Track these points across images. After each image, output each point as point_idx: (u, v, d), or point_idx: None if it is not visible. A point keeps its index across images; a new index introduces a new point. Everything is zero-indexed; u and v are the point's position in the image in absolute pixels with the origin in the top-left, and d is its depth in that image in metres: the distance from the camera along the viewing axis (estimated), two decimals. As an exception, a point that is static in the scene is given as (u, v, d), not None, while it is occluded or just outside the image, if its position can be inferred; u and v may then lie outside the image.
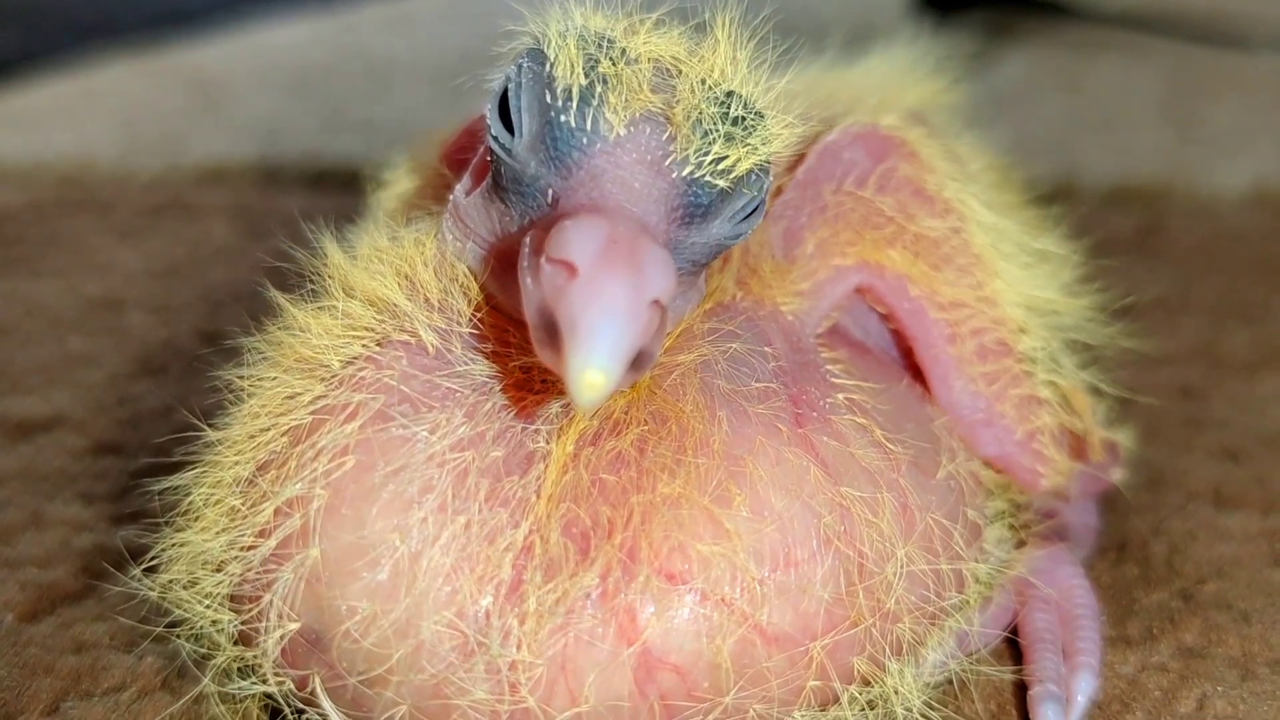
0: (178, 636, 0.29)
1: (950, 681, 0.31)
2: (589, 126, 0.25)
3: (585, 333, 0.22)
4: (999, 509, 0.34)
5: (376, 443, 0.26)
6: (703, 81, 0.26)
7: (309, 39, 1.15)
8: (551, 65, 0.26)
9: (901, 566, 0.28)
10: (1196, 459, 0.42)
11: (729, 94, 0.26)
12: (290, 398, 0.28)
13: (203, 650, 0.29)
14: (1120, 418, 0.39)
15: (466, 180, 0.29)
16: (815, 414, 0.28)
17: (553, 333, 0.23)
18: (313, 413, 0.27)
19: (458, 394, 0.27)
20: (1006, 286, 0.33)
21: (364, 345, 0.28)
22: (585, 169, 0.25)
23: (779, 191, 0.33)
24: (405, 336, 0.28)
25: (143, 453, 0.41)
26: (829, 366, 0.30)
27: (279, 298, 0.30)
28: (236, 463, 0.28)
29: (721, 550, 0.26)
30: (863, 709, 0.28)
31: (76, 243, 0.64)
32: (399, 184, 0.37)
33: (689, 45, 0.27)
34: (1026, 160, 0.73)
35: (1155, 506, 0.39)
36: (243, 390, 0.29)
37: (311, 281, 0.30)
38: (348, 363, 0.28)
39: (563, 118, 0.25)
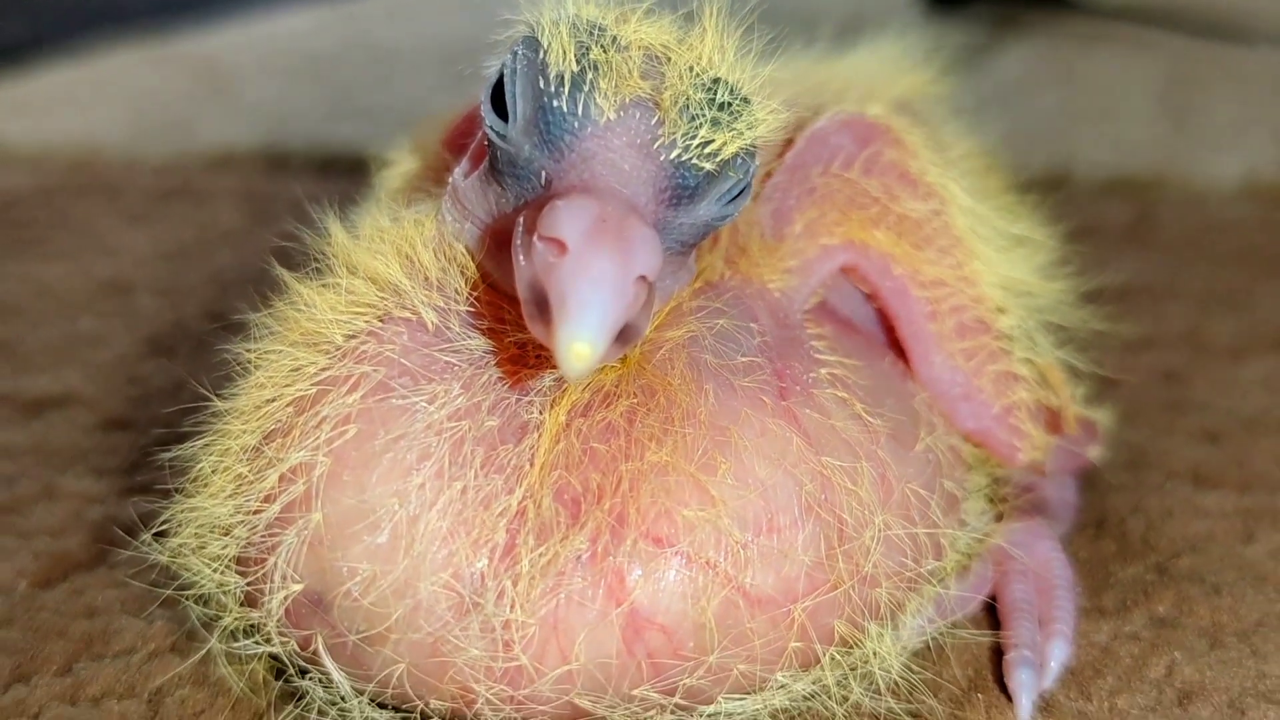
0: (186, 599, 0.31)
1: (929, 647, 0.32)
2: (580, 111, 0.26)
3: (573, 307, 0.23)
4: (979, 483, 0.35)
5: (377, 412, 0.27)
6: (690, 68, 0.27)
7: (316, 27, 1.16)
8: (545, 52, 0.27)
9: (879, 532, 0.29)
10: (1177, 440, 0.43)
11: (716, 80, 0.27)
12: (295, 370, 0.29)
13: (211, 613, 0.30)
14: (1102, 399, 0.40)
15: (465, 164, 0.31)
16: (799, 387, 0.29)
17: (543, 307, 0.24)
18: (316, 384, 0.28)
19: (455, 367, 0.28)
20: (985, 268, 0.35)
21: (366, 321, 0.29)
22: (577, 151, 0.26)
23: (769, 175, 0.34)
24: (406, 313, 0.29)
25: (151, 428, 0.42)
26: (814, 342, 0.31)
27: (286, 275, 0.31)
28: (244, 432, 0.29)
29: (706, 515, 0.27)
30: (843, 671, 0.29)
31: (86, 226, 0.65)
32: (401, 166, 0.38)
33: (678, 33, 0.28)
34: (1024, 150, 0.74)
35: (1135, 485, 0.40)
36: (250, 363, 0.30)
37: (317, 260, 0.31)
38: (350, 337, 0.29)
39: (555, 103, 0.26)
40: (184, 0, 1.23)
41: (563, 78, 0.27)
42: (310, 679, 0.29)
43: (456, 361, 0.28)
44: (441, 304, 0.29)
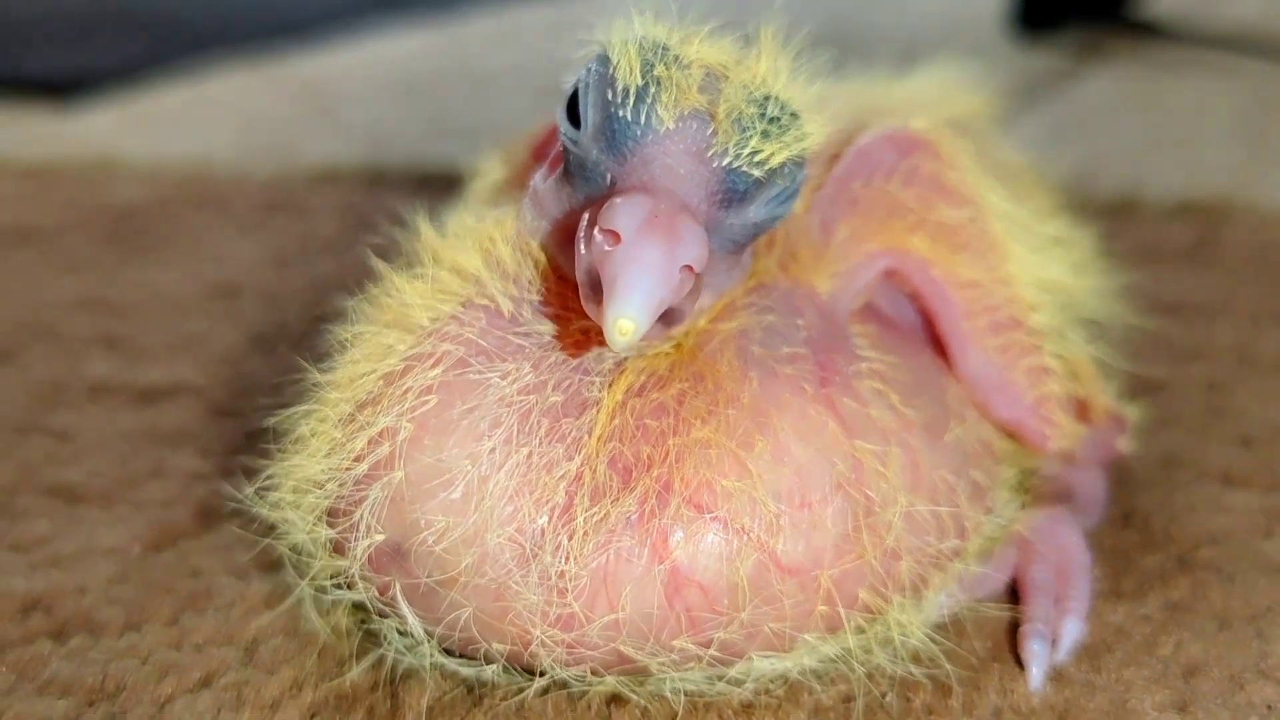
0: (283, 547, 0.34)
1: (951, 621, 0.35)
2: (643, 120, 0.30)
3: (621, 288, 0.27)
4: (1008, 475, 0.37)
5: (456, 385, 0.31)
6: (745, 85, 0.30)
7: (418, 50, 1.21)
8: (614, 68, 0.30)
9: (903, 511, 0.32)
10: (1211, 443, 0.45)
11: (768, 97, 0.31)
12: (386, 347, 0.32)
13: (303, 561, 0.34)
14: (1145, 403, 0.42)
15: (544, 169, 0.34)
16: (839, 378, 0.32)
17: (597, 290, 0.28)
18: (404, 360, 0.32)
19: (526, 349, 0.32)
20: (1019, 268, 0.37)
21: (449, 306, 0.33)
22: (638, 156, 0.30)
23: (819, 187, 0.37)
24: (484, 300, 0.33)
25: (253, 416, 0.46)
26: (856, 339, 0.34)
27: (381, 266, 0.35)
28: (339, 400, 0.33)
29: (743, 486, 0.30)
30: (868, 637, 0.32)
31: (197, 235, 0.69)
32: (490, 174, 0.42)
33: (737, 54, 0.32)
34: (1098, 174, 0.76)
35: (1165, 483, 0.42)
36: (346, 343, 0.34)
37: (408, 256, 0.35)
38: (435, 320, 0.32)
39: (621, 113, 0.30)
40: (293, 25, 1.28)
41: (628, 90, 0.30)
42: (387, 623, 0.33)
43: (527, 344, 0.32)
44: (516, 293, 0.33)
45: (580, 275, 0.29)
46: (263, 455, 0.35)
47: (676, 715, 0.32)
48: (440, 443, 0.30)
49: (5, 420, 0.48)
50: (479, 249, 0.33)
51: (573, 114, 0.31)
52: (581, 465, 0.30)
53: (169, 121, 0.94)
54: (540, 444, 0.30)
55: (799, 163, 0.31)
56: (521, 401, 0.31)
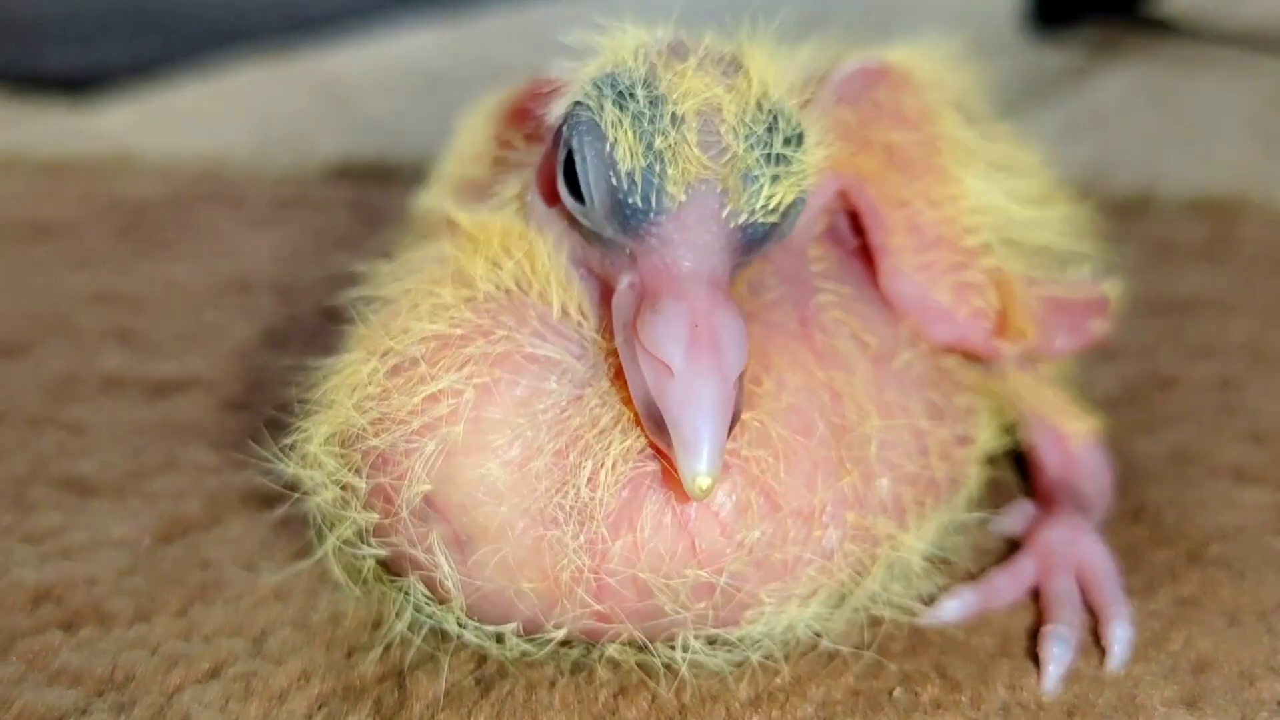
0: (310, 500, 0.34)
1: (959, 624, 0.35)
2: (655, 204, 0.30)
3: (690, 439, 0.28)
4: (984, 404, 0.38)
5: (517, 364, 0.32)
6: (743, 120, 0.30)
7: (433, 46, 1.21)
8: (611, 147, 0.30)
9: (874, 430, 0.33)
10: (1224, 440, 0.45)
11: (768, 129, 0.30)
12: (442, 308, 0.33)
13: (329, 516, 0.34)
14: (1158, 400, 0.42)
15: (536, 191, 0.34)
16: (809, 314, 0.34)
17: (659, 423, 0.29)
18: (465, 326, 0.32)
19: (575, 346, 0.32)
20: (961, 192, 0.37)
21: (504, 283, 0.33)
22: (656, 236, 0.30)
23: None
24: (534, 294, 0.33)
25: (266, 409, 0.46)
26: (814, 267, 0.35)
27: (460, 215, 0.35)
28: (388, 352, 0.33)
29: (752, 420, 0.31)
30: (867, 565, 0.33)
31: (211, 230, 0.70)
32: (465, 141, 0.44)
33: (725, 83, 0.31)
34: (1112, 171, 0.76)
35: (1176, 479, 0.42)
36: (393, 296, 0.34)
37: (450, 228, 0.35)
38: (501, 290, 0.33)
39: (631, 199, 0.30)
40: (307, 21, 1.28)
41: (634, 176, 0.29)
42: (410, 582, 0.33)
43: (576, 340, 0.32)
44: (565, 294, 0.33)
45: (640, 406, 0.30)
46: (272, 454, 0.35)
47: (684, 707, 0.32)
48: (499, 410, 0.31)
49: (19, 413, 0.48)
50: (534, 247, 0.34)
51: (570, 180, 0.31)
52: (619, 418, 0.31)
53: (184, 117, 0.94)
54: (587, 415, 0.31)
55: (805, 193, 0.31)
56: (573, 390, 0.32)
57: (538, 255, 0.33)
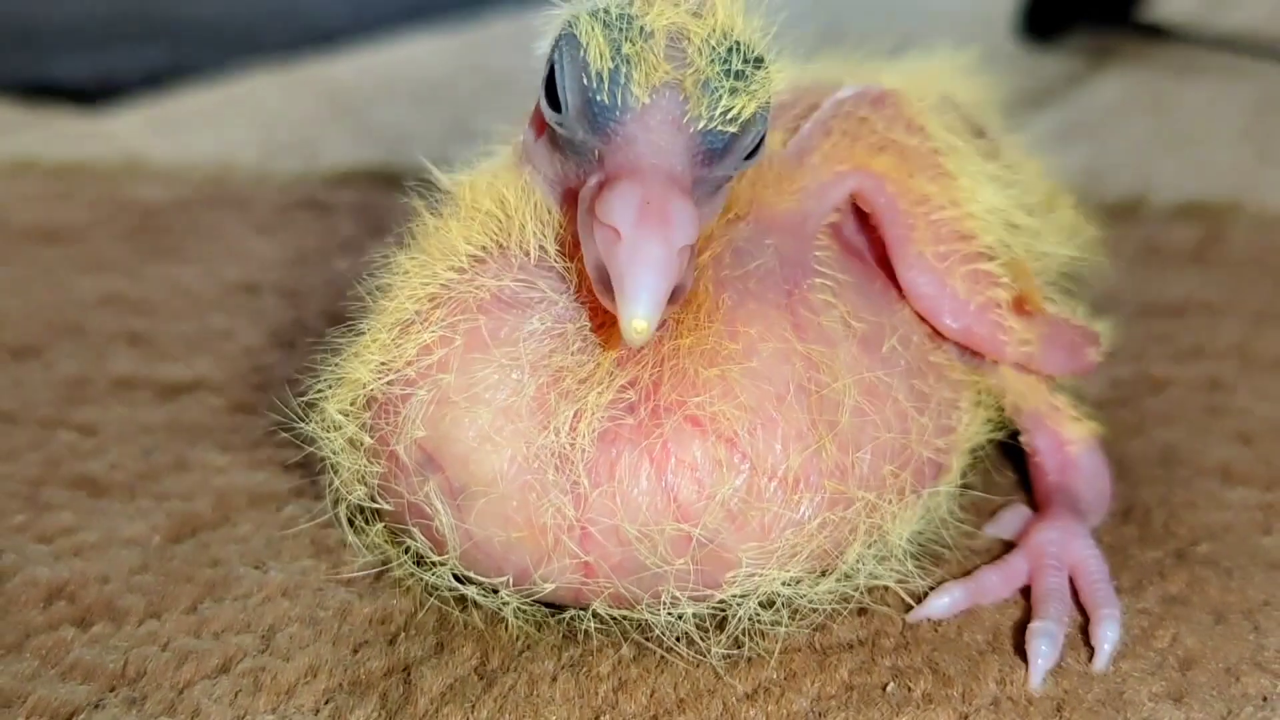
0: (323, 452, 0.37)
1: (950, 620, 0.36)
2: (620, 101, 0.32)
3: (630, 289, 0.29)
4: (971, 398, 0.39)
5: (499, 308, 0.34)
6: (708, 43, 0.32)
7: (436, 54, 1.22)
8: (584, 51, 0.32)
9: (848, 400, 0.34)
10: (1212, 440, 0.45)
11: (729, 50, 0.32)
12: (433, 273, 0.35)
13: (341, 478, 0.36)
14: (1147, 402, 0.43)
15: (530, 129, 0.36)
16: (798, 290, 0.35)
17: (607, 284, 0.30)
18: (451, 284, 0.35)
19: (554, 281, 0.35)
20: (970, 196, 0.39)
21: (487, 241, 0.36)
22: (621, 134, 0.32)
23: (796, 130, 0.39)
24: (515, 238, 0.35)
25: (272, 411, 0.47)
26: (817, 253, 0.37)
27: (424, 207, 0.37)
28: (390, 315, 0.35)
29: (718, 378, 0.33)
30: (839, 542, 0.34)
31: (218, 234, 0.70)
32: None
33: (694, 10, 0.33)
34: (1105, 175, 0.77)
35: (1164, 479, 0.43)
36: (398, 271, 0.36)
37: (446, 200, 0.38)
38: (476, 252, 0.35)
39: (599, 97, 0.32)
40: (312, 30, 1.29)
41: (602, 75, 0.32)
42: (411, 535, 0.35)
43: (554, 277, 0.35)
44: (539, 233, 0.35)
45: (590, 270, 0.31)
46: (278, 456, 0.36)
47: (682, 701, 0.33)
48: (487, 353, 0.34)
49: (31, 414, 0.49)
50: (505, 195, 0.36)
51: (551, 95, 0.33)
52: (597, 368, 0.33)
53: (193, 124, 0.95)
54: (569, 355, 0.34)
55: (767, 106, 0.33)
56: (555, 325, 0.34)
57: (516, 198, 0.36)
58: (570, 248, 0.35)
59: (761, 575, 0.34)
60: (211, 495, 0.43)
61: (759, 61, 0.33)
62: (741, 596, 0.34)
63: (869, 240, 0.40)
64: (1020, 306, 0.39)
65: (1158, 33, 1.13)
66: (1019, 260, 0.39)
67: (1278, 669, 0.34)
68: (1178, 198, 0.73)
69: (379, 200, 0.75)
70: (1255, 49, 1.08)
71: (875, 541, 0.35)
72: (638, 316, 0.29)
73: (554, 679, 0.34)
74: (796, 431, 0.33)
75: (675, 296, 0.31)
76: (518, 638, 0.35)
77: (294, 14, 1.41)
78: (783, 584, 0.34)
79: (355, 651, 0.35)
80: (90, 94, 1.02)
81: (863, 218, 0.40)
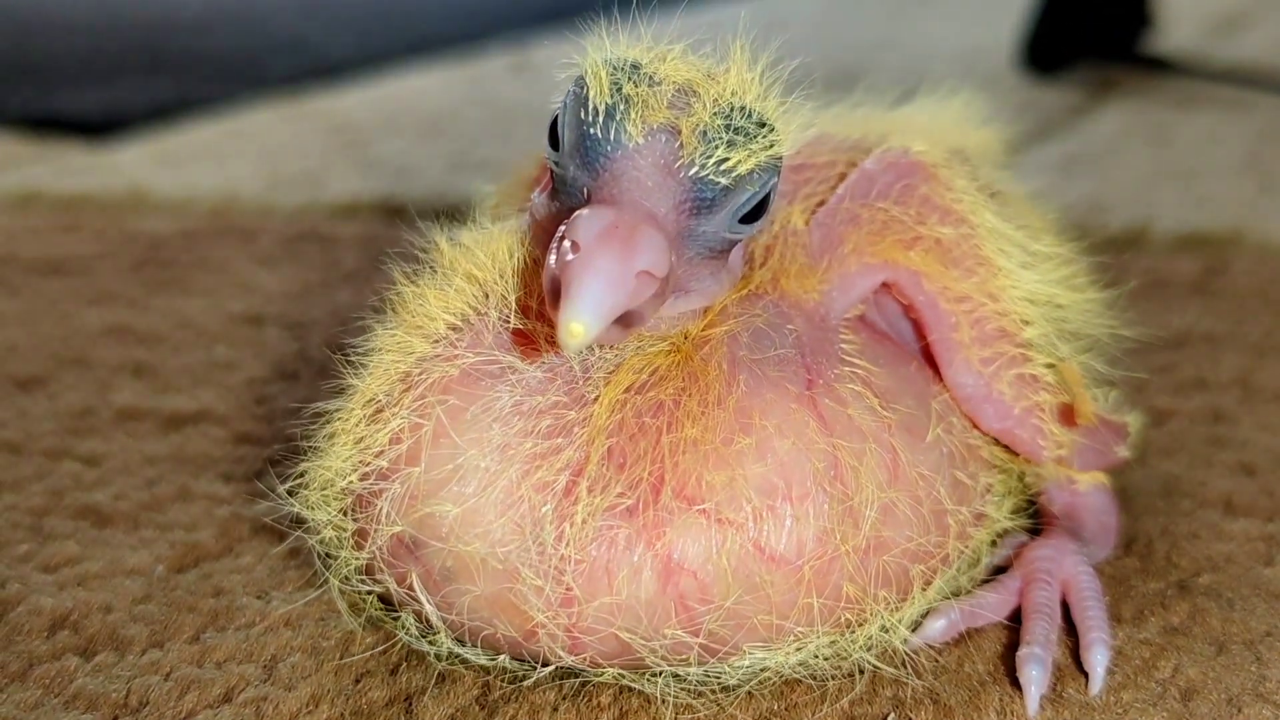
0: (310, 539, 0.36)
1: (956, 643, 0.36)
2: (612, 137, 0.32)
3: (574, 293, 0.29)
4: (1005, 484, 0.39)
5: (468, 385, 0.33)
6: (714, 99, 0.32)
7: (439, 86, 1.22)
8: (586, 88, 0.32)
9: (879, 505, 0.33)
10: (1215, 472, 0.45)
11: (734, 109, 0.32)
12: (407, 350, 0.34)
13: (330, 556, 0.36)
14: (1149, 433, 0.42)
15: (541, 186, 0.36)
16: (822, 380, 0.34)
17: (557, 294, 0.29)
18: (421, 362, 0.34)
19: (531, 353, 0.34)
20: (1009, 284, 0.38)
21: (462, 311, 0.35)
22: (609, 171, 0.32)
23: (820, 205, 0.38)
24: (494, 306, 0.35)
25: (275, 442, 0.47)
26: (843, 345, 0.36)
27: (403, 276, 0.36)
28: (364, 399, 0.35)
29: (727, 480, 0.32)
30: (855, 637, 0.34)
31: (223, 266, 0.71)
32: (496, 195, 0.45)
33: (708, 70, 0.33)
34: (1107, 207, 0.77)
35: (1167, 511, 0.43)
36: (375, 346, 0.36)
37: (428, 267, 0.37)
38: (450, 324, 0.34)
39: (592, 130, 0.32)
40: (317, 63, 1.30)
41: (598, 110, 0.32)
42: (405, 614, 0.35)
43: (532, 347, 0.34)
44: (521, 299, 0.35)
45: (545, 282, 0.30)
46: (282, 483, 0.36)
47: (684, 735, 0.33)
48: (454, 439, 0.32)
49: (36, 445, 0.49)
50: (488, 259, 0.36)
51: (553, 136, 0.33)
52: (582, 457, 0.32)
53: (197, 157, 0.95)
54: (545, 438, 0.32)
55: (769, 169, 0.33)
56: (528, 400, 0.33)
57: (499, 258, 0.35)
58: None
59: (765, 662, 0.33)
60: (215, 525, 0.43)
61: (764, 125, 0.32)
62: (744, 675, 0.34)
63: (901, 326, 0.39)
64: (1069, 417, 0.38)
65: (1159, 65, 1.14)
66: (1067, 366, 0.39)
67: (1280, 700, 0.34)
68: (1180, 229, 0.73)
69: (382, 232, 0.76)
70: (1257, 81, 1.08)
71: (890, 627, 0.34)
72: (575, 320, 0.28)
73: (555, 709, 0.34)
74: (816, 535, 0.32)
75: (629, 321, 0.30)
76: (518, 669, 0.35)
77: (299, 48, 1.42)
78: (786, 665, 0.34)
79: (357, 681, 0.35)
80: (96, 127, 1.02)
81: (889, 296, 0.39)
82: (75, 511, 0.44)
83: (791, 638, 0.33)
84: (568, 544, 0.31)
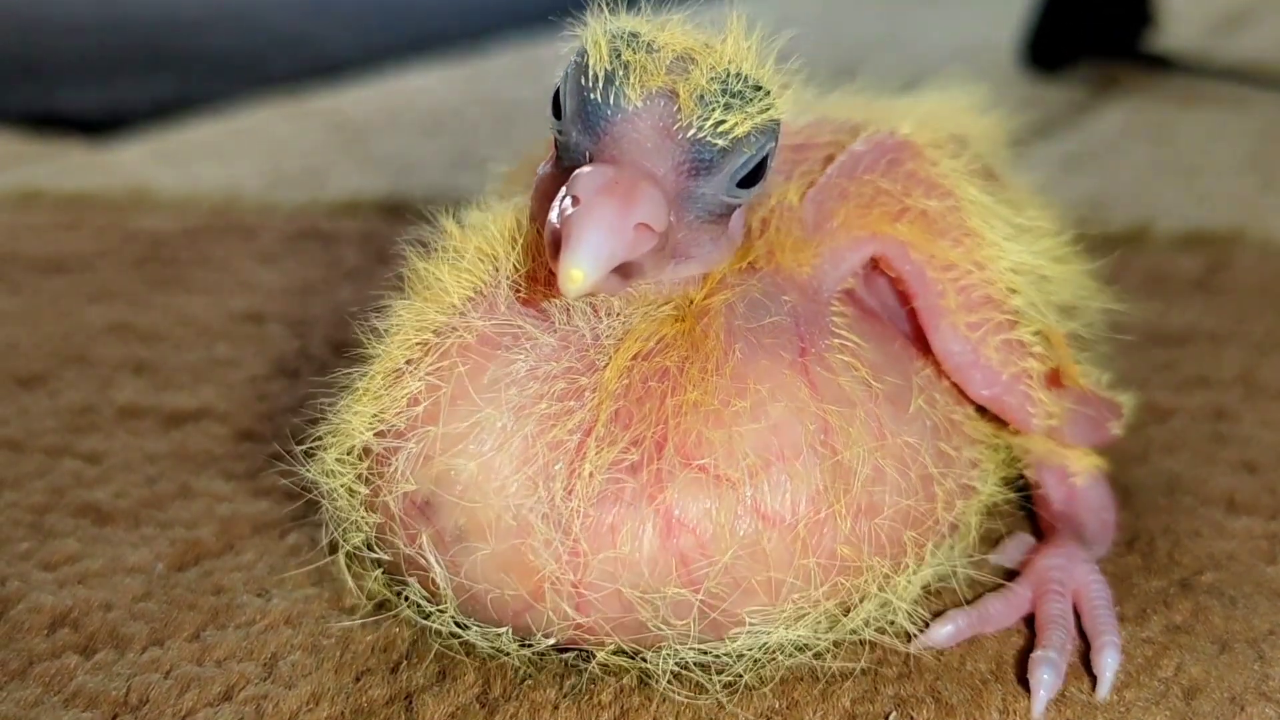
0: (322, 501, 0.37)
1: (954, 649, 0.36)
2: (612, 101, 0.32)
3: (574, 241, 0.29)
4: (994, 459, 0.39)
5: (484, 351, 0.34)
6: (711, 65, 0.33)
7: (441, 84, 1.22)
8: (586, 56, 0.33)
9: (868, 470, 0.34)
10: (1217, 470, 0.45)
11: (731, 74, 0.33)
12: (424, 321, 0.35)
13: (340, 519, 0.36)
14: (1152, 430, 0.42)
15: (546, 160, 0.36)
16: (814, 350, 0.35)
17: (557, 246, 0.30)
18: (439, 331, 0.35)
19: (543, 320, 0.35)
20: (997, 254, 0.38)
21: (476, 283, 0.36)
22: (609, 135, 0.32)
23: (813, 183, 0.39)
24: (505, 278, 0.35)
25: (276, 440, 0.47)
26: (834, 318, 0.36)
27: (415, 256, 0.37)
28: (382, 366, 0.35)
29: (725, 439, 0.33)
30: (857, 608, 0.34)
31: (225, 264, 0.71)
32: (506, 176, 0.47)
33: (706, 39, 0.34)
34: (1110, 205, 0.77)
35: (1169, 508, 0.43)
36: (393, 319, 0.36)
37: (440, 244, 0.37)
38: (465, 295, 0.35)
39: (592, 95, 0.33)
40: (319, 61, 1.30)
41: (598, 76, 0.33)
42: (409, 588, 0.35)
43: (544, 316, 0.35)
44: (530, 271, 0.35)
45: (547, 236, 0.31)
46: (281, 483, 0.36)
47: (684, 730, 0.33)
48: (473, 398, 0.33)
49: (37, 442, 0.49)
50: (498, 234, 0.36)
51: (556, 105, 0.34)
52: (592, 419, 0.33)
53: (199, 155, 0.95)
54: (558, 400, 0.33)
55: (765, 132, 0.34)
56: (543, 365, 0.34)
57: (506, 234, 0.36)
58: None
59: (766, 634, 0.34)
60: (215, 523, 0.43)
61: (760, 89, 0.33)
62: (745, 649, 0.34)
63: (889, 295, 0.39)
64: (1055, 380, 0.39)
65: (1161, 63, 1.14)
66: (1053, 330, 0.39)
67: (1283, 698, 0.34)
68: (1182, 227, 0.73)
69: (384, 230, 0.76)
70: (1259, 79, 1.08)
71: (885, 602, 0.35)
72: (575, 266, 0.29)
73: (555, 707, 0.34)
74: (809, 495, 0.33)
75: (629, 272, 0.31)
76: (519, 667, 0.35)
77: (300, 45, 1.42)
78: (788, 640, 0.34)
79: (357, 679, 0.35)
80: (97, 125, 1.02)
81: (879, 274, 0.39)
82: (76, 509, 0.44)
83: (790, 604, 0.33)
84: (577, 498, 0.32)
